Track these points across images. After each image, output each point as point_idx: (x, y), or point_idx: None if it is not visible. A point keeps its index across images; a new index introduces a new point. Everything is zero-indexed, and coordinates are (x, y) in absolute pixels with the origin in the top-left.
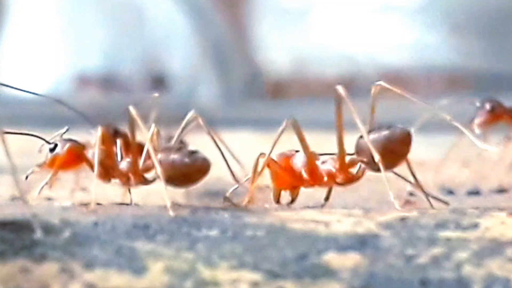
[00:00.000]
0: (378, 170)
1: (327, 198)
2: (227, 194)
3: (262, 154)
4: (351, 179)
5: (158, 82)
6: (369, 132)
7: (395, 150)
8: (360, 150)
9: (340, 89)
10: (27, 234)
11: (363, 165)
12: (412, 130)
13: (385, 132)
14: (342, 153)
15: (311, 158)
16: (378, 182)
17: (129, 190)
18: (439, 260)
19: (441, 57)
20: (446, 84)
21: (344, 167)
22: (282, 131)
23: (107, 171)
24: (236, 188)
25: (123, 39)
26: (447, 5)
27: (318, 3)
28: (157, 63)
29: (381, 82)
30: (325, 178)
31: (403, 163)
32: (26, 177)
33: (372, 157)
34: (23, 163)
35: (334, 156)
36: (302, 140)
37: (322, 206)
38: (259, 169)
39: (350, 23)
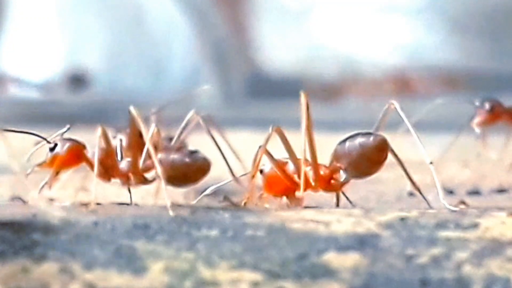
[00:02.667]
0: (356, 177)
1: (337, 204)
2: (212, 188)
3: (261, 147)
4: (335, 186)
5: (76, 81)
6: (345, 139)
7: (370, 158)
8: (337, 156)
9: (303, 96)
10: (27, 234)
11: (343, 172)
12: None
13: (360, 140)
14: (314, 159)
15: (298, 165)
16: (378, 182)
17: (129, 190)
18: (439, 260)
19: (441, 57)
20: (446, 84)
21: (318, 174)
22: (268, 139)
23: (107, 170)
24: (229, 181)
25: (123, 39)
26: (447, 5)
27: (319, 3)
28: (78, 61)
29: (394, 102)
30: (313, 184)
31: (380, 169)
32: (26, 176)
33: (350, 164)
34: (23, 163)
35: (323, 163)
36: (287, 147)
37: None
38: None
39: (350, 23)
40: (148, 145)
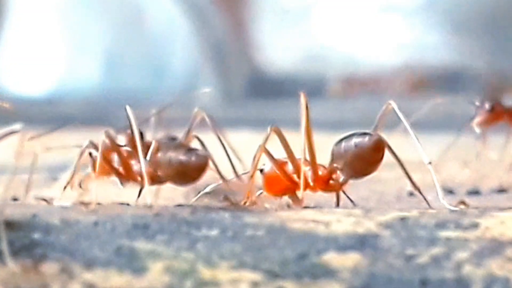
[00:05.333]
0: (353, 177)
1: (337, 204)
2: (211, 187)
3: (260, 146)
4: (334, 186)
5: None
6: (341, 140)
7: (366, 157)
8: (334, 157)
9: (303, 96)
10: (27, 234)
11: (340, 172)
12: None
13: (356, 140)
14: (313, 159)
15: (297, 165)
16: (378, 182)
17: (140, 191)
18: (439, 260)
19: (442, 57)
20: (446, 83)
21: (317, 174)
22: (266, 139)
23: (127, 172)
24: (231, 180)
25: (123, 39)
26: (448, 5)
27: (319, 3)
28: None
29: (392, 102)
30: (311, 185)
31: (377, 169)
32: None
33: (346, 164)
34: (23, 163)
35: (322, 163)
36: (286, 147)
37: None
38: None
39: (350, 23)
40: (138, 145)
